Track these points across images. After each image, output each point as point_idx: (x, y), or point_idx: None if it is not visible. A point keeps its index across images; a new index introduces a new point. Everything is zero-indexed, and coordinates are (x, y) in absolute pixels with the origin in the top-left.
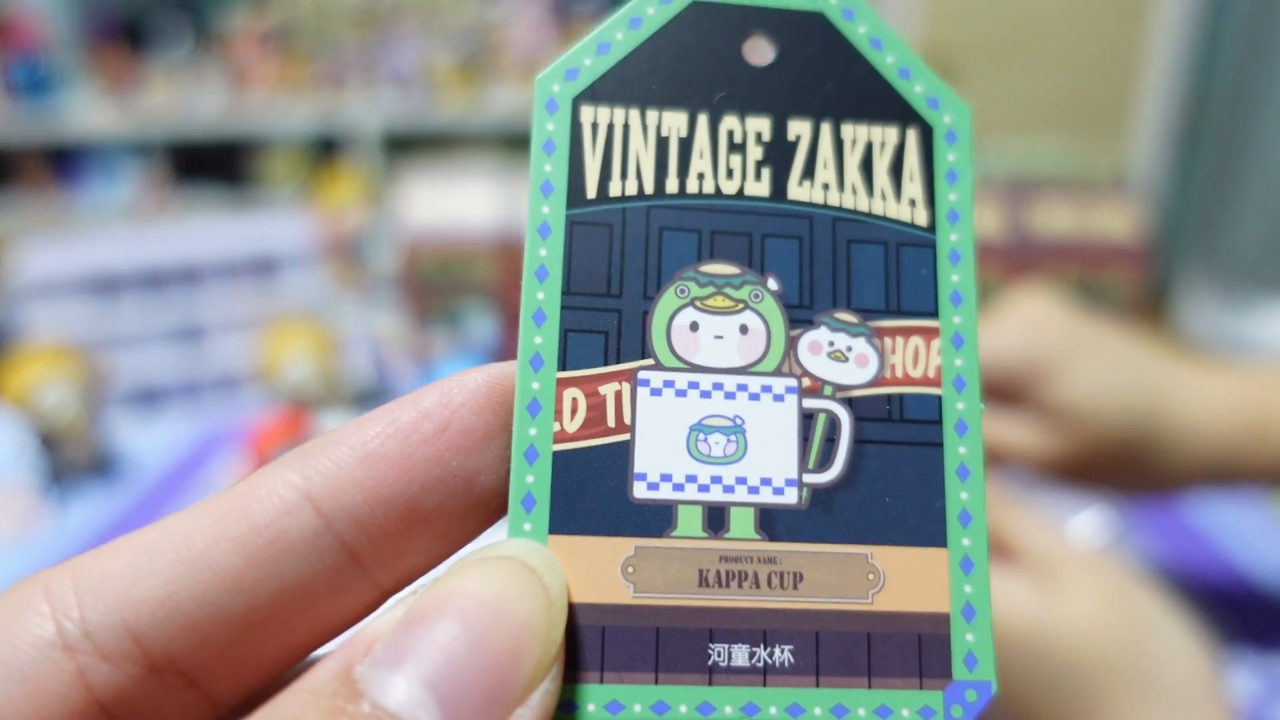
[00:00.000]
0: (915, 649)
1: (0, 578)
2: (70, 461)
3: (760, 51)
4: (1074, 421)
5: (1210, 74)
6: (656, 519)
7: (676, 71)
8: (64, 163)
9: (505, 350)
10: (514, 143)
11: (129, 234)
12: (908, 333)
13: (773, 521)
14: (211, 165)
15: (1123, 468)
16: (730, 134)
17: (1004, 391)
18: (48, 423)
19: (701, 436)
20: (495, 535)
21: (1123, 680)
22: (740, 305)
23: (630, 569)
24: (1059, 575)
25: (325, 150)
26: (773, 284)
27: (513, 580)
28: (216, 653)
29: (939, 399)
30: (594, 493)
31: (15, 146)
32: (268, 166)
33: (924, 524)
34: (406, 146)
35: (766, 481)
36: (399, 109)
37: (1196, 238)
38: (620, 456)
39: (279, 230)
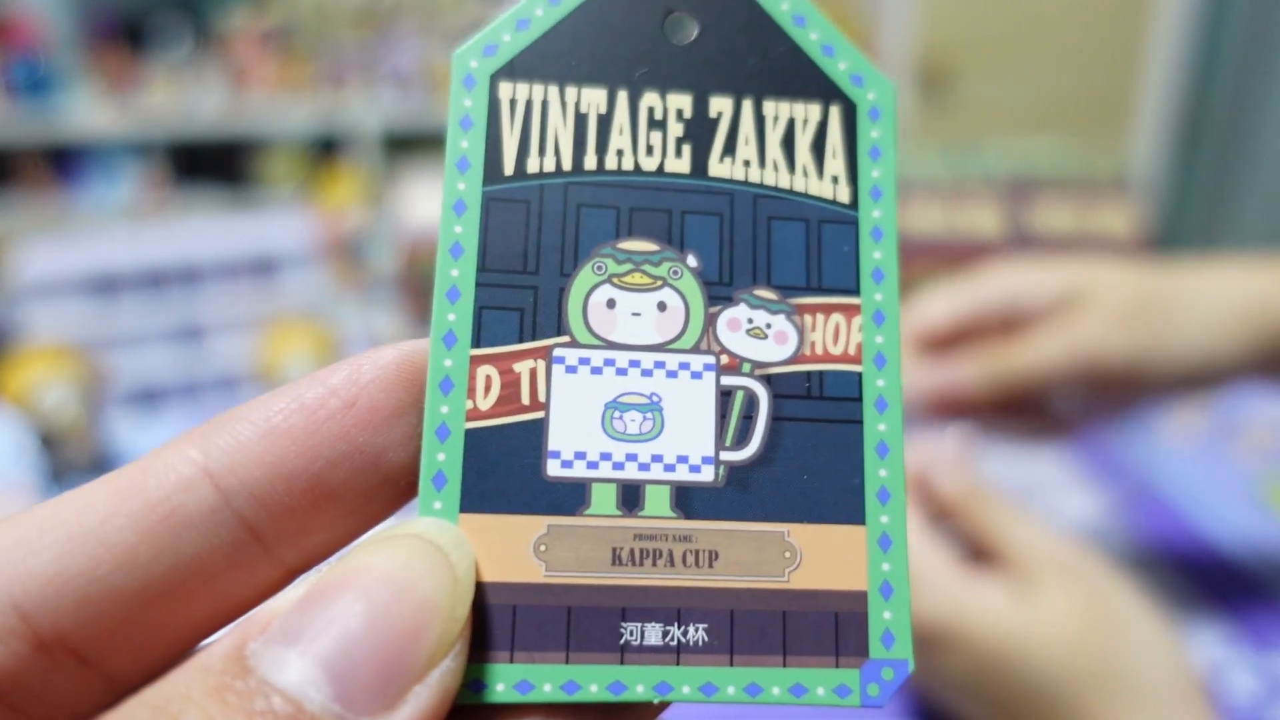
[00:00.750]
0: (832, 627)
1: None
2: (70, 461)
3: (681, 28)
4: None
5: (1210, 74)
6: (570, 497)
7: (597, 48)
8: (64, 163)
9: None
10: None
11: (129, 234)
12: (829, 310)
13: (689, 499)
14: (211, 165)
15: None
16: (650, 111)
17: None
18: (48, 423)
19: (617, 414)
20: (407, 516)
21: (1098, 684)
22: (659, 282)
23: (542, 547)
24: (1036, 580)
25: (325, 150)
26: (692, 261)
27: (417, 557)
28: (109, 630)
29: (859, 376)
30: (507, 471)
31: (15, 146)
32: (268, 166)
33: (842, 501)
34: (406, 146)
35: (683, 459)
36: (399, 109)
37: (1196, 238)
38: (534, 434)
39: (279, 230)
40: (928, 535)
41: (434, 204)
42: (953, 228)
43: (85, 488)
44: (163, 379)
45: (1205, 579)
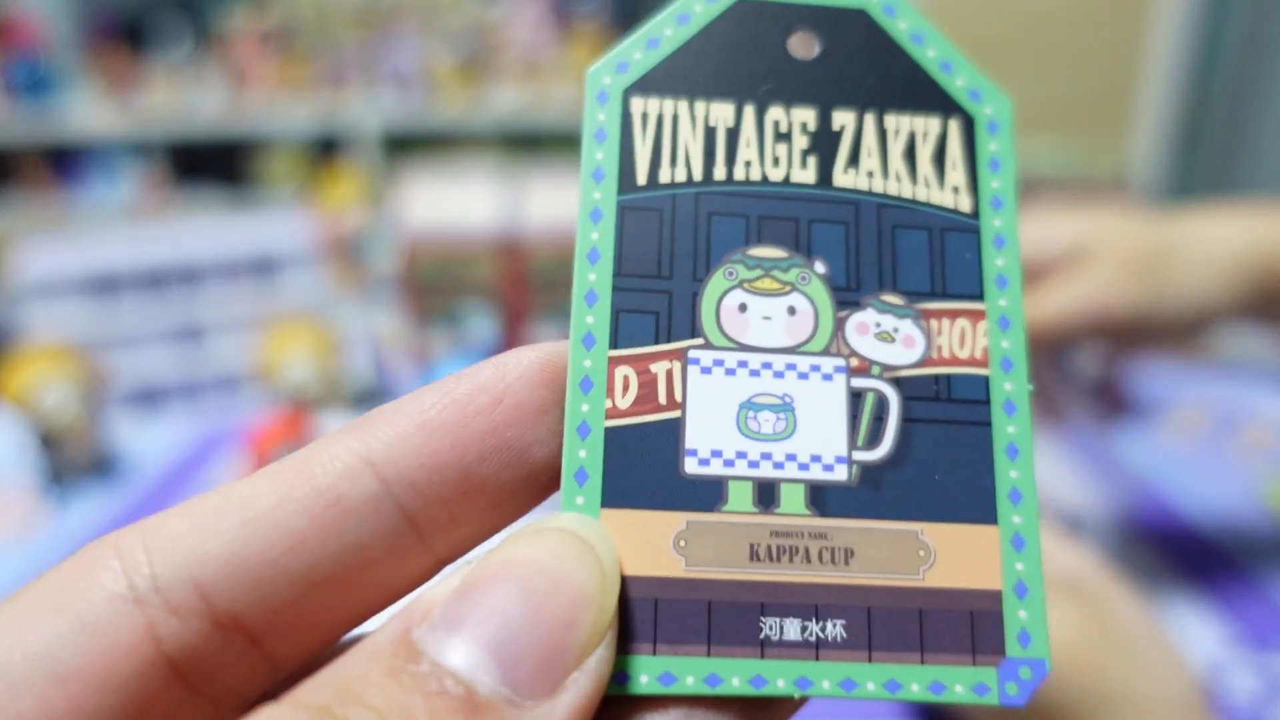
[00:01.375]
0: (968, 626)
1: (0, 578)
2: (70, 461)
3: (805, 46)
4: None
5: (1210, 74)
6: (707, 494)
7: (723, 65)
8: (64, 163)
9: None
10: (514, 143)
11: (129, 234)
12: (954, 315)
13: (823, 498)
14: (211, 165)
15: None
16: (776, 124)
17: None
18: (48, 423)
19: (751, 414)
20: (549, 511)
21: (1108, 704)
22: (788, 287)
23: (682, 543)
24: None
25: (325, 150)
26: (820, 267)
27: (567, 550)
28: (279, 611)
29: (986, 379)
30: (646, 468)
31: (15, 146)
32: (268, 166)
33: (974, 501)
34: (406, 146)
35: (816, 458)
36: (399, 109)
37: None
38: (671, 432)
39: (279, 230)
40: None
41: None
42: None
43: (250, 478)
44: (163, 379)
45: (1204, 577)
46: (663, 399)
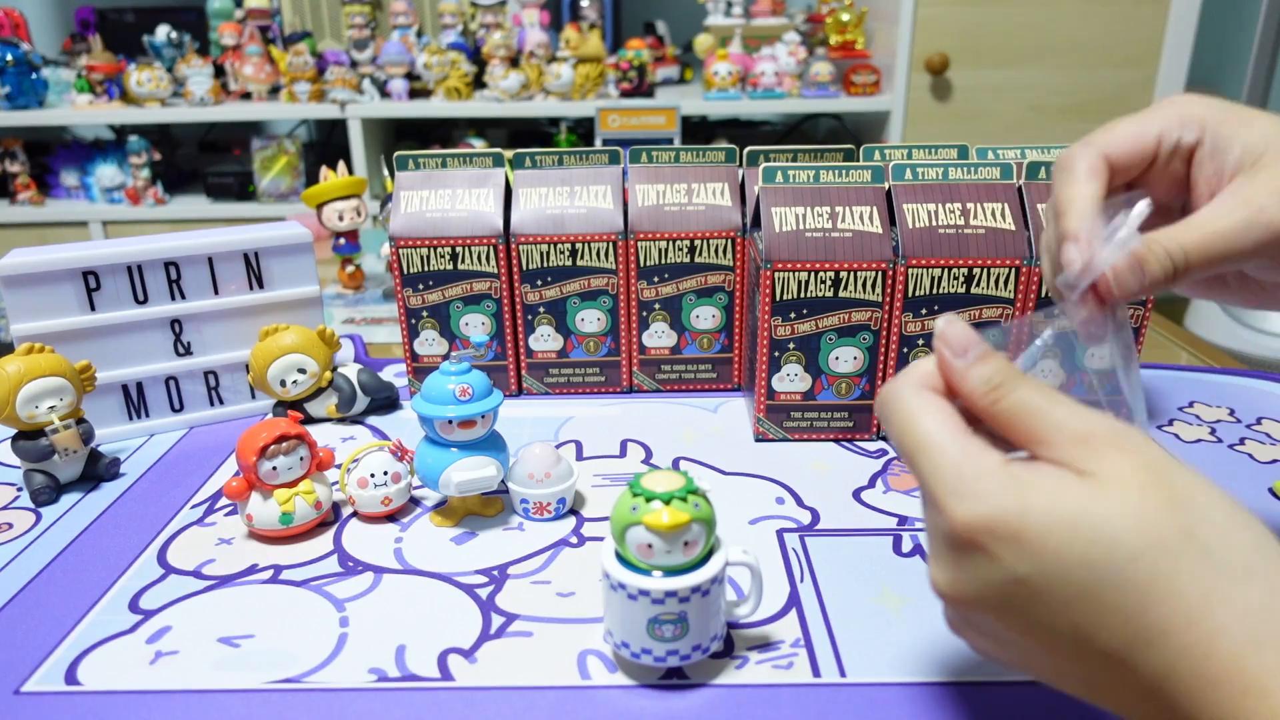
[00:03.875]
0: None
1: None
2: (62, 462)
3: None
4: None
5: (1216, 73)
6: None
7: None
8: (51, 157)
9: (507, 346)
10: (514, 142)
11: (119, 231)
12: None
13: None
14: (206, 163)
15: None
16: None
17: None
18: (39, 423)
19: None
20: None
21: (1182, 555)
22: None
23: None
24: (1094, 456)
25: (323, 149)
26: None
27: None
28: None
29: None
30: None
31: (1, 139)
32: (264, 165)
33: None
34: (406, 146)
35: None
36: (399, 109)
37: None
38: None
39: (275, 230)
40: (966, 434)
41: (432, 204)
42: (965, 225)
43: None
44: (154, 378)
45: None
46: None
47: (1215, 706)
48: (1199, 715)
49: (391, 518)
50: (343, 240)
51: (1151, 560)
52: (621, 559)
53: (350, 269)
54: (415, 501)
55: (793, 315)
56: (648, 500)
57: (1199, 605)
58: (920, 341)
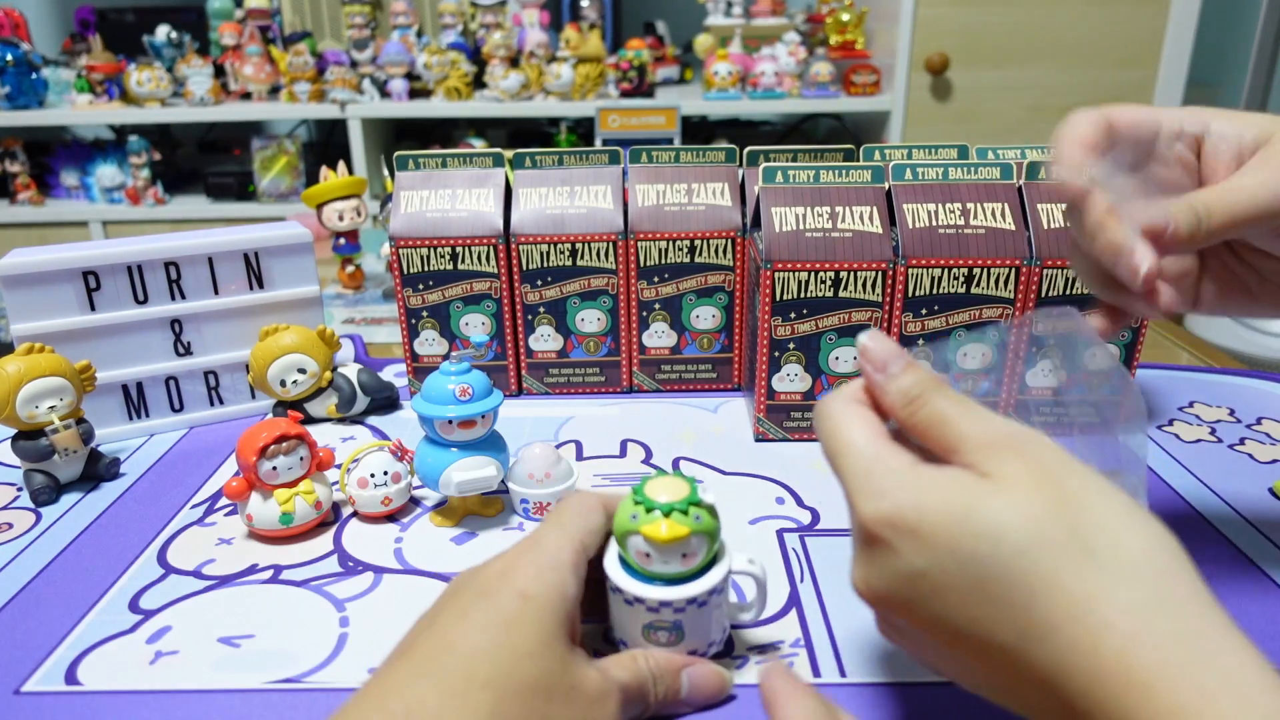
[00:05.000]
0: None
1: None
2: (62, 462)
3: None
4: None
5: (1216, 73)
6: None
7: None
8: (51, 157)
9: (507, 346)
10: (514, 142)
11: (119, 231)
12: None
13: None
14: (206, 163)
15: None
16: None
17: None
18: (39, 423)
19: None
20: None
21: (1078, 552)
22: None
23: None
24: (995, 460)
25: (323, 149)
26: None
27: None
28: None
29: None
30: None
31: (1, 139)
32: (265, 165)
33: None
34: (406, 146)
35: None
36: (399, 109)
37: None
38: None
39: (275, 230)
40: (883, 439)
41: (432, 204)
42: (965, 225)
43: None
44: (155, 378)
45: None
46: None
47: (1105, 704)
48: (1092, 711)
49: (391, 518)
50: (343, 240)
51: (1035, 555)
52: (624, 561)
53: (350, 269)
54: (415, 501)
55: (793, 315)
56: (648, 510)
57: (1083, 601)
58: (920, 341)
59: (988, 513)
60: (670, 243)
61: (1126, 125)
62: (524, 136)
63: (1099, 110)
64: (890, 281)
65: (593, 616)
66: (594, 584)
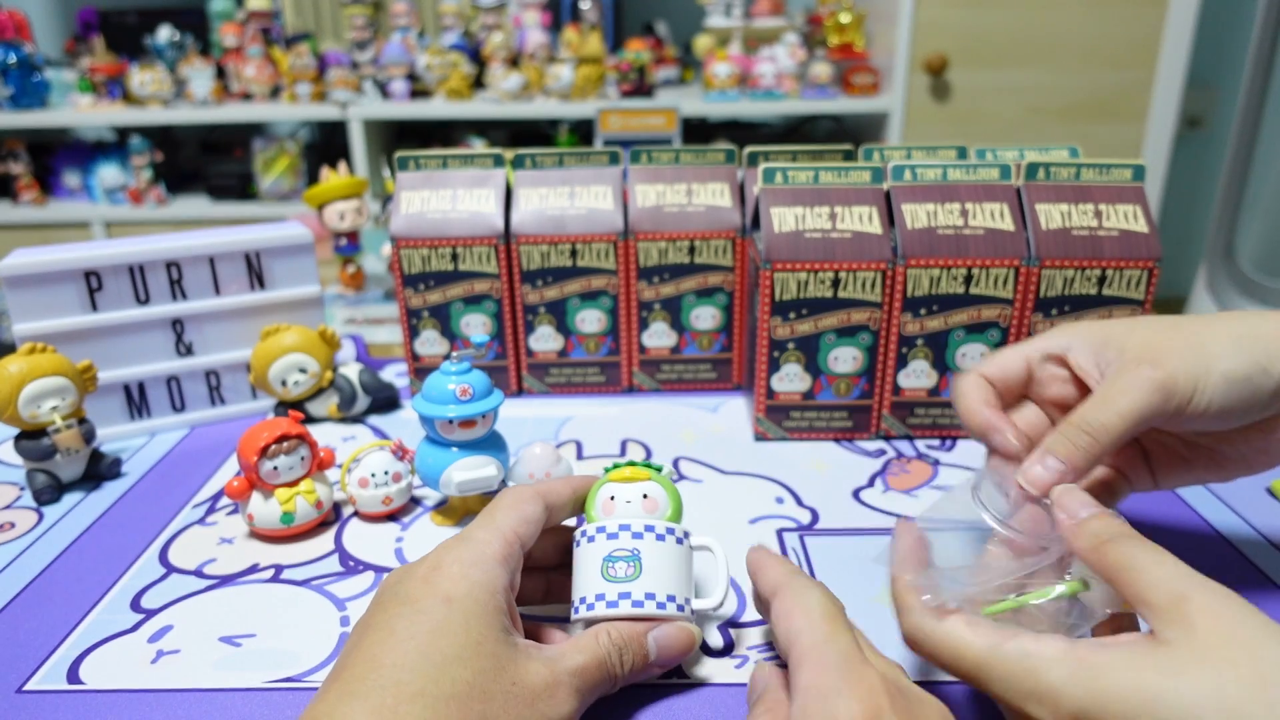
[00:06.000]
0: None
1: None
2: (64, 462)
3: None
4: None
5: (1215, 74)
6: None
7: None
8: (54, 158)
9: (507, 346)
10: (514, 143)
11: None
12: None
13: None
14: (207, 163)
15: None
16: None
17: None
18: (41, 422)
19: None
20: None
21: None
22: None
23: None
24: (1177, 623)
25: (324, 150)
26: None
27: None
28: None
29: None
30: None
31: (3, 140)
32: (266, 166)
33: None
34: (406, 146)
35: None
36: (399, 109)
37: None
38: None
39: (276, 230)
40: (995, 630)
41: (432, 204)
42: (964, 225)
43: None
44: (156, 378)
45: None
46: None
47: None
48: None
49: (392, 517)
50: (344, 241)
51: None
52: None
53: (351, 269)
54: (416, 501)
55: (792, 315)
56: (615, 468)
57: None
58: (919, 341)
59: (1176, 700)
60: (670, 243)
61: (997, 375)
62: (524, 137)
63: (974, 372)
64: (889, 282)
65: (550, 600)
66: (551, 570)
